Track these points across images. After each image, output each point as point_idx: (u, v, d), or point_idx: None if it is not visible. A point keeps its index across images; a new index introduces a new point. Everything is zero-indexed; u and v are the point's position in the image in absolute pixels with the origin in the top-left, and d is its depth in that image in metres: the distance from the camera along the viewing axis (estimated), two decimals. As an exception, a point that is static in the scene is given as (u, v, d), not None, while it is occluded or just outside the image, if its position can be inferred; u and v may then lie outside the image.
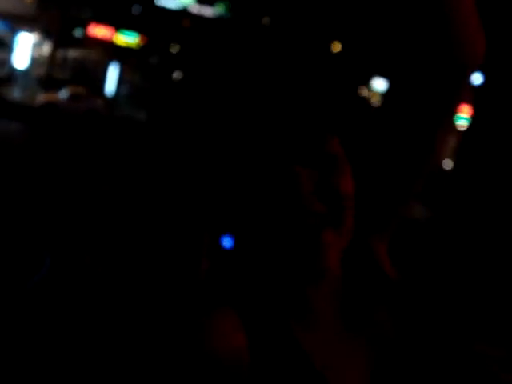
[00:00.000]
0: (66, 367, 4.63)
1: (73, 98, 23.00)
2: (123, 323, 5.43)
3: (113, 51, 30.63)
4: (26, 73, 29.24)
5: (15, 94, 24.82)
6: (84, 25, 30.84)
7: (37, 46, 31.65)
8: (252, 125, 0.70)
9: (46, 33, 29.42)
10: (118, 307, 5.82)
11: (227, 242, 0.70)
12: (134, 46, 30.94)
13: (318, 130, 0.70)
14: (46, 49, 30.15)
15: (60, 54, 30.34)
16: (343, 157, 0.71)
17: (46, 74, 27.20)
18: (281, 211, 0.67)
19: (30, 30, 30.74)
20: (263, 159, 0.68)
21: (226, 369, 0.64)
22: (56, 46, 28.14)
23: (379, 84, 22.24)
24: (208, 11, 29.93)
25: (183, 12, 29.94)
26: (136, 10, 30.36)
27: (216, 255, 0.75)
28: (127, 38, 31.14)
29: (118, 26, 30.43)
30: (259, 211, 0.68)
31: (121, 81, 31.24)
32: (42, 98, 23.07)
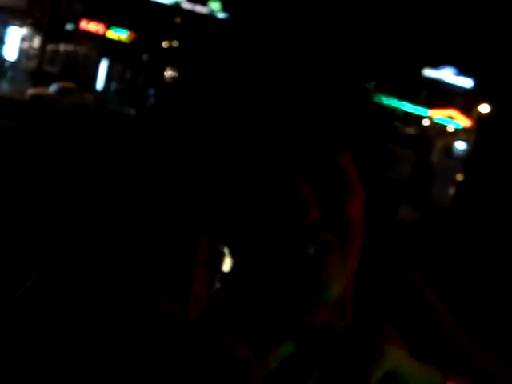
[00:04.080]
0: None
1: (62, 92, 22.87)
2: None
3: (104, 47, 30.54)
4: (15, 66, 29.08)
5: (4, 87, 24.66)
6: (75, 20, 30.73)
7: (27, 39, 31.50)
8: (253, 129, 0.60)
9: (37, 27, 29.27)
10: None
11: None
12: (125, 42, 30.86)
13: (328, 142, 0.59)
14: (37, 43, 30.01)
15: (51, 48, 30.19)
16: (355, 177, 0.60)
17: (36, 67, 27.05)
18: (281, 236, 0.58)
19: (21, 24, 30.59)
20: (266, 172, 0.59)
21: None
22: (46, 40, 28.00)
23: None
24: (201, 9, 29.89)
25: (175, 8, 29.89)
26: (127, 6, 30.28)
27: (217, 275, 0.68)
28: (118, 34, 31.06)
29: (110, 22, 30.33)
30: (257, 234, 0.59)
31: (111, 77, 31.15)
32: (30, 91, 22.92)
